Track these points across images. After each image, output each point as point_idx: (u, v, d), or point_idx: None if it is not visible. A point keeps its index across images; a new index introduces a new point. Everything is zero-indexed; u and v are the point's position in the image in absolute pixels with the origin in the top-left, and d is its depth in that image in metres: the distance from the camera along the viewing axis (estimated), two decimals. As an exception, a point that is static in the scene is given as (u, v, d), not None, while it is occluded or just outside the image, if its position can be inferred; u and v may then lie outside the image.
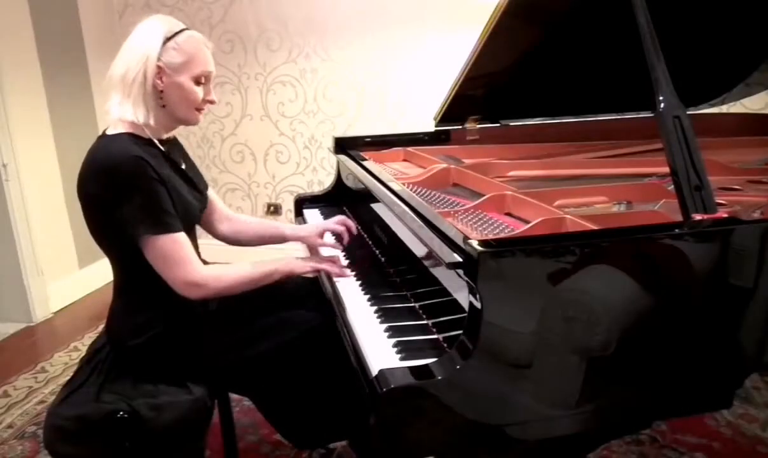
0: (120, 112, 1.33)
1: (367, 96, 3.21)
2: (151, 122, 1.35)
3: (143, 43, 1.32)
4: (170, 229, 1.29)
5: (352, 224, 1.67)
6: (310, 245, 1.76)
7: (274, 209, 3.54)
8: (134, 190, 1.26)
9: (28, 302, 2.98)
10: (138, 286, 1.40)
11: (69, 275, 3.23)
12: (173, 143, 1.50)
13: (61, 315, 3.11)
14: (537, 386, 1.00)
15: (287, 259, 1.49)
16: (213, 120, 3.51)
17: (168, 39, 1.33)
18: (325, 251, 1.69)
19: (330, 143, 2.12)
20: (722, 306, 1.09)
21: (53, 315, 3.09)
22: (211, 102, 1.41)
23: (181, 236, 1.31)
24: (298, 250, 2.04)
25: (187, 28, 1.37)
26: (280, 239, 1.74)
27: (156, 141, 1.38)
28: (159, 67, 1.32)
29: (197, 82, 1.36)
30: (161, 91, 1.34)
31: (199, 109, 1.39)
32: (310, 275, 1.77)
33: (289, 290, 1.68)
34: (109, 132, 1.36)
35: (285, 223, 1.93)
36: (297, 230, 1.74)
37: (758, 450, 1.85)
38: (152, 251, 1.29)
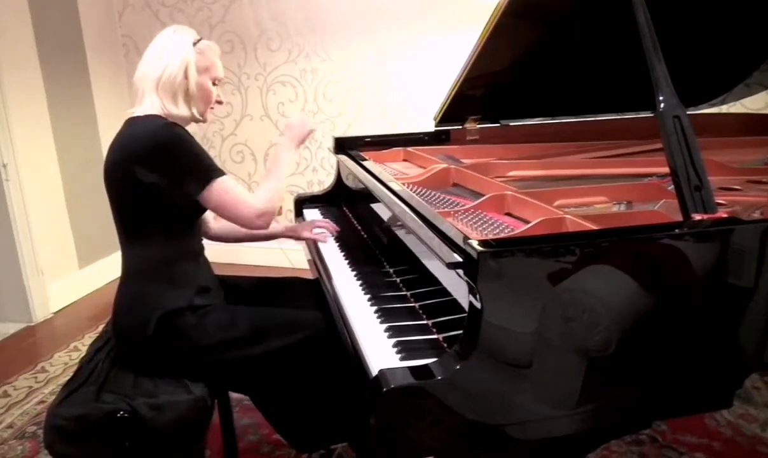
0: (158, 107, 1.43)
1: (367, 96, 3.21)
2: (196, 115, 1.49)
3: (179, 47, 1.44)
4: (222, 172, 1.41)
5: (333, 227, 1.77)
6: (298, 235, 1.81)
7: (274, 209, 3.53)
8: (189, 151, 1.38)
9: (28, 302, 2.98)
10: (153, 267, 1.43)
11: (69, 275, 3.23)
12: None
13: (61, 315, 3.11)
14: (537, 386, 1.00)
15: (281, 141, 1.63)
16: (213, 120, 3.50)
17: (194, 44, 1.47)
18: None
19: (330, 143, 2.12)
20: (722, 306, 1.09)
21: (53, 315, 3.09)
22: (220, 103, 1.55)
23: (230, 178, 1.44)
24: (299, 250, 2.03)
25: (202, 38, 1.51)
26: (270, 235, 1.80)
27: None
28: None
29: (213, 84, 1.51)
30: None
31: (211, 108, 1.53)
32: (311, 277, 1.78)
33: (290, 291, 1.69)
34: (138, 114, 1.44)
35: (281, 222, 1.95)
36: (293, 229, 1.82)
37: (758, 449, 1.85)
38: (218, 196, 1.39)
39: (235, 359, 1.42)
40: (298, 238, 1.81)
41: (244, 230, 1.76)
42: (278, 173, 1.52)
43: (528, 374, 0.99)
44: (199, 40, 1.48)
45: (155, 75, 1.43)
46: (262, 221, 1.44)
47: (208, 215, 1.71)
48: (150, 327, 1.38)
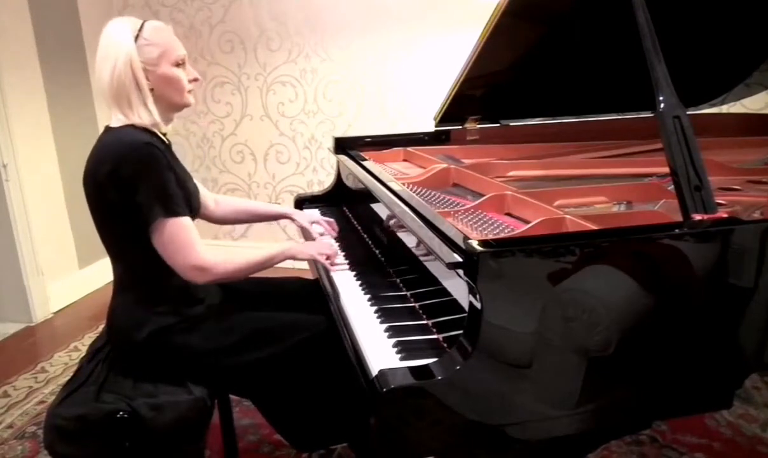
0: (124, 119, 1.36)
1: (367, 96, 3.21)
2: (156, 118, 1.38)
3: (119, 47, 1.33)
4: (179, 213, 1.33)
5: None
6: (301, 227, 1.87)
7: (274, 209, 3.53)
8: (148, 174, 1.29)
9: (28, 302, 2.98)
10: (139, 282, 1.41)
11: (69, 275, 3.23)
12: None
13: (61, 315, 3.11)
14: (537, 386, 1.00)
15: (288, 244, 1.56)
16: (213, 120, 3.51)
17: (136, 37, 1.35)
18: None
19: (330, 143, 2.12)
20: (722, 306, 1.10)
21: (53, 315, 3.09)
22: (196, 80, 1.45)
23: (188, 221, 1.35)
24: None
25: (145, 21, 1.38)
26: (270, 217, 1.88)
27: (159, 134, 1.41)
28: (142, 67, 1.35)
29: (176, 66, 1.40)
30: (151, 89, 1.37)
31: (189, 91, 1.43)
32: (311, 277, 1.78)
33: (290, 292, 1.69)
34: (114, 125, 1.38)
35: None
36: (290, 212, 1.85)
37: (758, 450, 1.85)
38: (161, 234, 1.31)
39: (232, 365, 1.41)
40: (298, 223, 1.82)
41: (240, 209, 1.82)
42: (258, 260, 1.44)
43: (528, 374, 0.99)
44: (140, 29, 1.35)
45: (106, 83, 1.34)
46: (199, 276, 1.34)
47: (207, 199, 1.68)
48: (142, 338, 1.37)
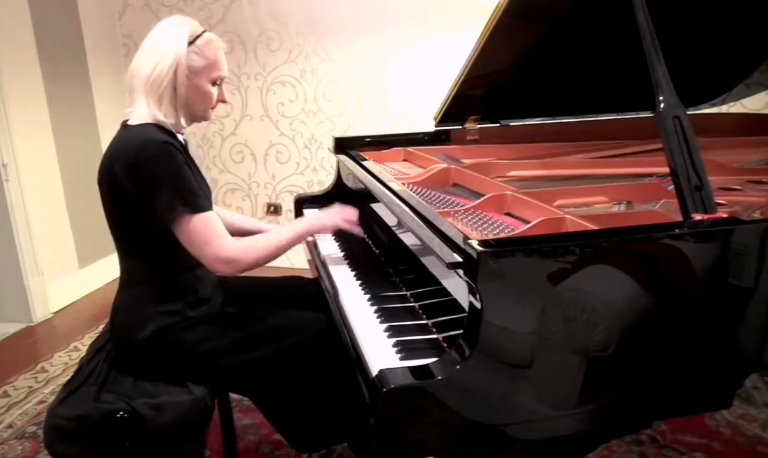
0: (147, 113, 1.37)
1: (367, 96, 3.22)
2: (181, 121, 1.41)
3: (171, 45, 1.35)
4: (203, 208, 1.33)
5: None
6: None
7: (274, 209, 3.54)
8: (168, 172, 1.29)
9: (28, 302, 2.98)
10: (148, 279, 1.41)
11: (69, 275, 3.23)
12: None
13: (61, 315, 3.11)
14: (537, 386, 1.00)
15: (309, 219, 1.56)
16: (213, 120, 3.51)
17: (191, 42, 1.37)
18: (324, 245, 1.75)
19: (330, 143, 2.12)
20: (722, 306, 1.10)
21: (53, 315, 3.09)
22: (224, 102, 1.48)
23: (212, 215, 1.35)
24: (299, 250, 2.04)
25: (205, 31, 1.42)
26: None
27: (176, 134, 1.42)
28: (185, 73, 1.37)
29: (213, 84, 1.42)
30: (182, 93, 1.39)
31: (212, 108, 1.46)
32: (311, 277, 1.78)
33: (290, 292, 1.69)
34: (131, 123, 1.38)
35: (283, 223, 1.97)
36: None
37: (758, 450, 1.85)
38: (186, 231, 1.32)
39: (232, 365, 1.41)
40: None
41: (235, 225, 1.76)
42: (283, 242, 1.42)
43: (528, 374, 0.99)
44: (197, 37, 1.38)
45: (145, 73, 1.35)
46: (227, 268, 1.34)
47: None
48: (144, 336, 1.37)
